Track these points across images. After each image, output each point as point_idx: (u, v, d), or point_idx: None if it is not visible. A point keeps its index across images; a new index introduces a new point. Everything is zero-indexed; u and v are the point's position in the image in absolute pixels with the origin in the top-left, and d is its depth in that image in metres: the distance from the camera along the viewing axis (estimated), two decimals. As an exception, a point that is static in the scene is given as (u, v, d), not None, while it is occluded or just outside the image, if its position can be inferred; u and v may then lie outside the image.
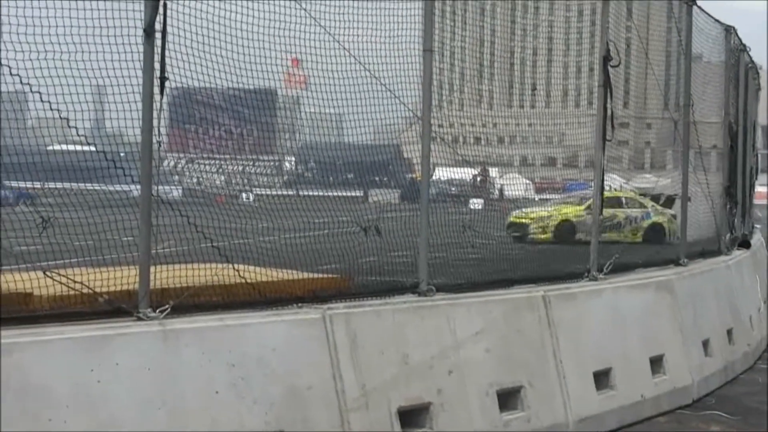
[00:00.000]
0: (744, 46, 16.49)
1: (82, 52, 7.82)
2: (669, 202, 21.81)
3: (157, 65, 7.45)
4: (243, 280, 7.42)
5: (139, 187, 7.17)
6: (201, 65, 8.04)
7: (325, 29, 8.90)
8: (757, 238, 19.59)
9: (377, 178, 11.37)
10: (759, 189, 26.90)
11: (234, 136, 9.92)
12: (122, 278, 6.93)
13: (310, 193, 10.67)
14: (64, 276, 6.66)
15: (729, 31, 15.19)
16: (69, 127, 7.74)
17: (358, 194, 12.07)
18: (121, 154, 7.87)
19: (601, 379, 9.64)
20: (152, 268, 6.81)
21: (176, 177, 10.04)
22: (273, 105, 10.15)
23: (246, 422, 6.68)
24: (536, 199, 20.95)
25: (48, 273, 6.60)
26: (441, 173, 10.81)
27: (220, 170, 10.58)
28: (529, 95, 15.14)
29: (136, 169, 7.37)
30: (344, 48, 9.17)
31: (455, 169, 11.25)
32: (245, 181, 10.66)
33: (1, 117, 8.40)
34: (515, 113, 14.85)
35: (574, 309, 9.62)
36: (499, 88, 13.12)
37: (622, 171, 17.07)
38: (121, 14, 7.81)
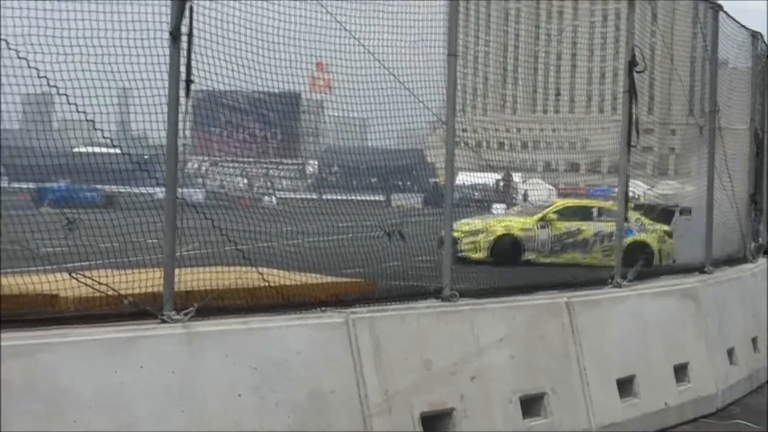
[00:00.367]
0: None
1: (109, 54, 7.85)
2: (665, 215, 19.09)
3: (182, 68, 7.45)
4: (267, 284, 7.41)
5: (163, 189, 7.18)
6: (226, 68, 8.05)
7: (350, 33, 8.89)
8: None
9: (400, 183, 11.35)
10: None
11: (258, 140, 9.93)
12: (147, 281, 6.94)
13: (334, 197, 10.65)
14: (89, 278, 6.67)
15: (756, 37, 15.08)
16: (95, 129, 7.76)
17: (380, 198, 12.04)
18: (145, 157, 7.89)
19: (625, 386, 9.59)
20: (176, 271, 6.81)
21: (200, 180, 10.06)
22: (297, 108, 10.15)
23: (268, 426, 6.68)
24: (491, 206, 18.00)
25: (74, 275, 6.62)
26: (464, 178, 10.78)
27: (244, 173, 10.59)
28: (553, 100, 15.10)
29: (161, 171, 7.37)
30: (369, 52, 9.16)
31: (478, 174, 11.22)
32: (269, 184, 10.67)
33: (28, 119, 8.45)
34: (539, 118, 14.81)
35: (597, 316, 9.57)
36: (523, 93, 13.08)
37: (646, 177, 16.84)
38: (148, 17, 7.82)
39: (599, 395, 9.10)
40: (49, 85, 7.53)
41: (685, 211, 17.64)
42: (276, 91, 9.13)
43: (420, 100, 9.55)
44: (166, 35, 7.57)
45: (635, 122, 11.25)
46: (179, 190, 6.96)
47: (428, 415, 7.63)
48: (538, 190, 14.46)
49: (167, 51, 7.55)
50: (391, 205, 10.93)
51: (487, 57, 12.48)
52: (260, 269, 7.43)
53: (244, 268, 7.42)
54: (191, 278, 7.12)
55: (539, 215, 20.03)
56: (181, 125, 7.43)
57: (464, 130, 10.43)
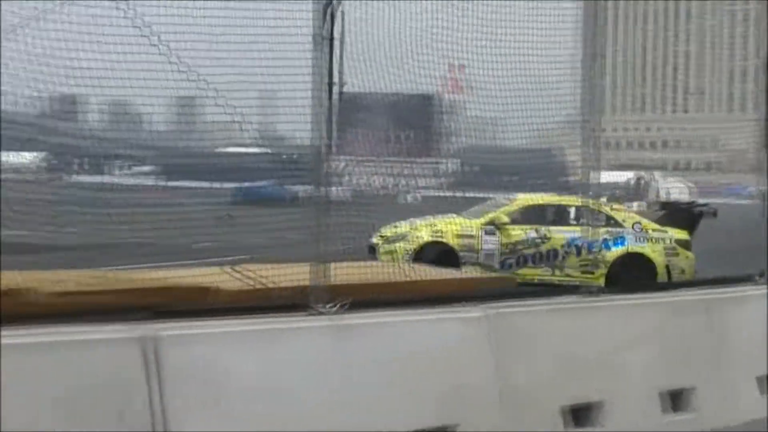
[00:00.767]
0: None
1: (253, 58, 8.14)
2: (681, 219, 15.88)
3: (325, 70, 7.66)
4: (410, 279, 7.59)
5: (308, 188, 7.42)
6: (367, 71, 8.26)
7: (488, 34, 9.00)
8: None
9: (537, 181, 11.39)
10: None
11: (398, 139, 10.12)
12: (296, 275, 7.18)
13: (470, 194, 10.78)
14: (241, 271, 6.95)
15: None
16: (241, 129, 8.07)
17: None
18: (294, 156, 8.16)
19: (764, 382, 9.46)
20: (325, 266, 7.03)
21: (345, 178, 10.30)
22: (433, 109, 10.32)
23: (412, 417, 6.84)
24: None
25: (226, 269, 6.91)
26: (601, 176, 10.77)
27: (386, 171, 10.79)
28: (687, 100, 14.94)
29: (307, 170, 7.62)
30: (506, 53, 9.25)
31: (615, 172, 11.18)
32: (409, 182, 10.85)
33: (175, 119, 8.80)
34: (675, 117, 14.67)
35: (740, 313, 9.46)
36: (660, 93, 12.98)
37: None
38: (292, 21, 8.07)
39: (742, 391, 9.00)
40: (197, 87, 7.83)
41: (708, 214, 15.77)
42: (414, 91, 9.30)
43: (556, 99, 9.60)
44: (310, 38, 7.80)
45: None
46: (324, 189, 7.18)
47: (571, 408, 7.68)
48: (676, 188, 14.01)
49: (310, 54, 7.77)
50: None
51: (625, 56, 12.44)
52: (403, 264, 7.61)
53: (386, 264, 7.61)
54: (338, 273, 7.33)
55: (487, 217, 15.65)
56: (324, 126, 7.66)
57: (603, 130, 10.43)
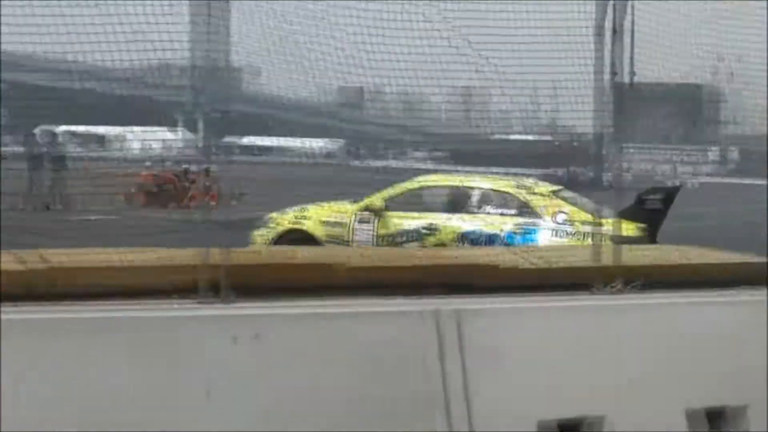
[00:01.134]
0: None
1: (537, 50, 8.60)
2: (639, 211, 11.45)
3: (608, 60, 7.99)
4: (690, 262, 7.80)
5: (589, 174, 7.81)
6: (653, 60, 8.53)
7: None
8: None
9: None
10: None
11: (676, 126, 10.29)
12: (578, 255, 7.59)
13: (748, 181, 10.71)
14: (525, 252, 7.43)
15: None
16: (528, 118, 8.56)
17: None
18: (575, 144, 8.56)
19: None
20: (615, 247, 7.27)
21: (625, 164, 10.45)
22: (708, 98, 10.39)
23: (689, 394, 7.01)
24: None
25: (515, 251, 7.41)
26: None
27: (664, 158, 10.95)
28: None
29: (588, 157, 7.99)
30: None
31: None
32: (688, 169, 10.95)
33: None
34: None
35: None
36: None
37: None
38: (574, 14, 8.47)
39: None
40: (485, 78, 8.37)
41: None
42: (688, 81, 9.46)
43: None
44: (591, 31, 8.16)
45: None
46: (610, 174, 7.51)
47: None
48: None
49: (593, 46, 8.14)
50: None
51: None
52: (682, 247, 7.82)
53: (672, 246, 7.81)
54: (614, 254, 7.64)
55: (364, 202, 13.28)
56: (606, 115, 8.01)
57: None
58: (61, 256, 5.82)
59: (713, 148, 10.34)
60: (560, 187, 12.68)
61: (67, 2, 9.52)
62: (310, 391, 5.16)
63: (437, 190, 12.89)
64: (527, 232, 11.66)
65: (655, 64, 9.04)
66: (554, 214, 11.80)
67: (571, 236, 11.58)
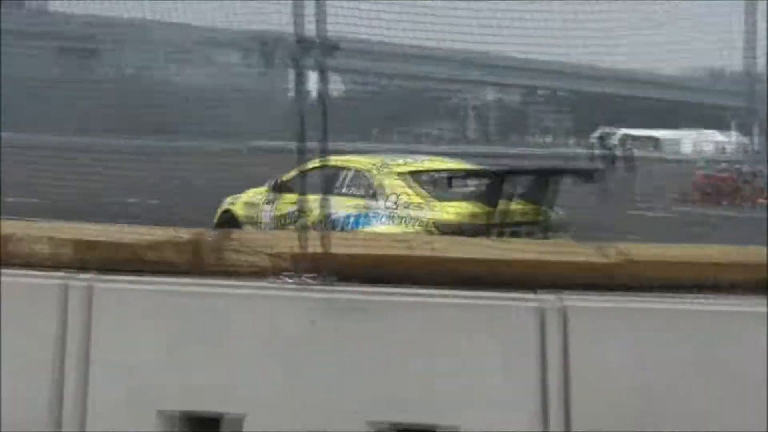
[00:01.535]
0: None
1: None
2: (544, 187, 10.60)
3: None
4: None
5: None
6: None
7: None
8: None
9: None
10: None
11: None
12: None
13: None
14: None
15: None
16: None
17: None
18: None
19: None
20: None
21: None
22: None
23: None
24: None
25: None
26: None
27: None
28: None
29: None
30: None
31: None
32: None
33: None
34: None
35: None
36: None
37: None
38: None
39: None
40: None
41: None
42: None
43: None
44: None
45: None
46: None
47: None
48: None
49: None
50: None
51: None
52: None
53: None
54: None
55: (262, 188, 12.67)
56: None
57: None
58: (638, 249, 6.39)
59: None
60: (438, 167, 11.93)
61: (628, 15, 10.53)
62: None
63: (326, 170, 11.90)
64: (362, 216, 11.09)
65: None
66: (390, 197, 11.23)
67: (400, 221, 10.91)
